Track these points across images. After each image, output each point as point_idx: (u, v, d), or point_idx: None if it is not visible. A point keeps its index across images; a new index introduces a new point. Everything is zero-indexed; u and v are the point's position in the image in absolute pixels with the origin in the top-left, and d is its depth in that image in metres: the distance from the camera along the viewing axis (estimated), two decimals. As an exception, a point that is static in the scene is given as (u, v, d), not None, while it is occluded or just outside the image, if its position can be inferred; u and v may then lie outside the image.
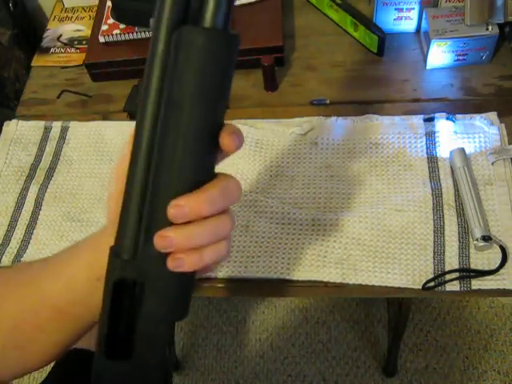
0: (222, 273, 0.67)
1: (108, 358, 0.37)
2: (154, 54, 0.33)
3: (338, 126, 0.78)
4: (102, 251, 0.37)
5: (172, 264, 0.33)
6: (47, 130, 0.85)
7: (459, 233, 0.66)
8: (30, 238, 0.74)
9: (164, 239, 0.33)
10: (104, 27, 0.90)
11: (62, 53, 0.96)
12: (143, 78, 0.33)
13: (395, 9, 0.85)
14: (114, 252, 0.36)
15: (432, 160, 0.73)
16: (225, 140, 0.33)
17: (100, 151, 0.81)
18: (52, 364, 0.81)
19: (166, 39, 0.32)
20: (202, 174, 0.34)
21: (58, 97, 0.89)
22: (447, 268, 0.64)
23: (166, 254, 0.34)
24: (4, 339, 0.41)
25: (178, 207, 0.32)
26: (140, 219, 0.34)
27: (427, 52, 0.81)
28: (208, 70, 0.32)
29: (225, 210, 0.35)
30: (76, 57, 0.94)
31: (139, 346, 0.37)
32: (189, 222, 0.33)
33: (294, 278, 0.66)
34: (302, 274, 0.66)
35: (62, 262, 0.41)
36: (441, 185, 0.70)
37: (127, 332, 0.36)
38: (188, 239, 0.33)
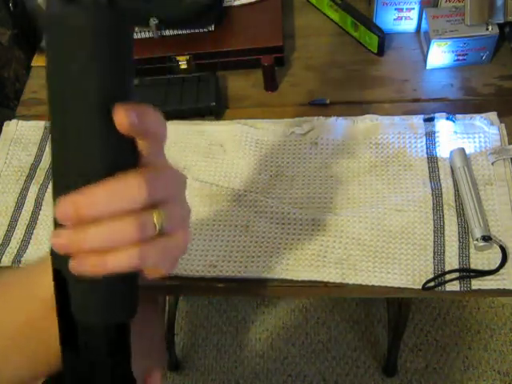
0: (222, 273, 0.67)
1: (62, 345, 0.37)
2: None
3: (338, 125, 0.78)
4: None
5: (72, 265, 0.31)
6: (47, 130, 0.85)
7: (459, 233, 0.66)
8: (30, 238, 0.74)
9: (56, 239, 0.31)
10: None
11: (62, 53, 0.96)
12: None
13: (395, 9, 0.85)
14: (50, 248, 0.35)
15: (432, 160, 0.73)
16: (116, 116, 0.29)
17: (100, 151, 0.81)
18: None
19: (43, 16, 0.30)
20: (96, 165, 0.30)
21: (58, 97, 0.89)
22: (447, 268, 0.64)
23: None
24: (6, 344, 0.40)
25: (60, 207, 0.30)
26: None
27: (427, 52, 0.81)
28: (87, 49, 0.29)
29: (130, 214, 0.31)
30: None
31: (82, 340, 0.36)
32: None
33: (294, 278, 0.66)
34: (301, 273, 0.66)
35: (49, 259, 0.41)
36: (441, 185, 0.70)
37: (69, 324, 0.36)
38: (82, 240, 0.30)
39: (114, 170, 0.30)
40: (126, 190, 0.30)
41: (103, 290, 0.34)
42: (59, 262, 0.34)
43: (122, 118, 0.29)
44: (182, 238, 0.35)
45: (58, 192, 0.31)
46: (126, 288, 0.35)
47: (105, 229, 0.30)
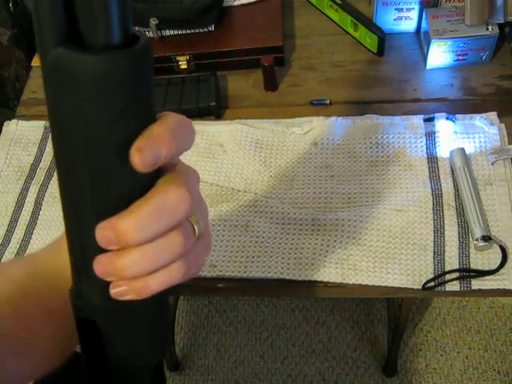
0: (222, 273, 0.67)
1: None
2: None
3: (338, 125, 0.78)
4: None
5: (113, 292, 0.29)
6: (47, 129, 0.85)
7: (459, 233, 0.66)
8: (30, 238, 0.74)
9: (98, 265, 0.28)
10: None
11: (62, 53, 0.96)
12: None
13: (395, 9, 0.85)
14: (71, 287, 0.32)
15: (432, 160, 0.73)
16: (131, 154, 0.26)
17: (100, 151, 0.81)
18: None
19: (44, 63, 0.25)
20: (124, 189, 0.27)
21: (58, 97, 0.89)
22: (447, 268, 0.64)
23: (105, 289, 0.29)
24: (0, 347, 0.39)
25: (101, 231, 0.27)
26: (75, 255, 0.30)
27: (427, 52, 0.81)
28: (96, 103, 0.25)
29: (175, 227, 0.28)
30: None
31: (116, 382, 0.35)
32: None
33: (294, 278, 0.66)
34: (302, 273, 0.66)
35: (43, 261, 0.39)
36: (441, 185, 0.70)
37: (101, 366, 0.34)
38: (125, 268, 0.28)
39: (144, 187, 0.28)
40: (170, 205, 0.27)
41: (141, 332, 0.33)
42: (88, 309, 0.31)
43: (138, 162, 0.26)
44: (208, 236, 0.33)
45: (86, 222, 0.28)
46: (160, 324, 0.34)
47: (151, 250, 0.28)
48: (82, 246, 0.29)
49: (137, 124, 0.27)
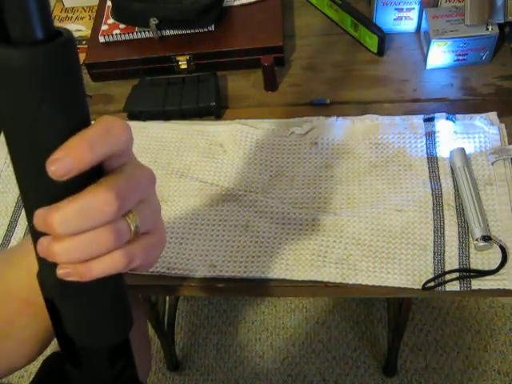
0: (222, 273, 0.67)
1: (65, 360, 0.37)
2: None
3: (338, 126, 0.78)
4: None
5: (59, 272, 0.31)
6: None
7: (459, 233, 0.66)
8: (30, 238, 0.74)
9: (39, 247, 0.31)
10: (104, 27, 0.90)
11: (62, 53, 0.96)
12: None
13: (395, 9, 0.85)
14: (38, 272, 0.35)
15: (432, 160, 0.73)
16: (47, 168, 0.29)
17: (100, 151, 0.81)
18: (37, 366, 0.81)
19: None
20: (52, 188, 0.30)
21: (58, 97, 0.89)
22: (447, 268, 0.64)
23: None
24: None
25: (36, 218, 0.30)
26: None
27: (427, 52, 0.81)
28: (20, 97, 0.27)
29: (104, 224, 0.30)
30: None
31: (83, 356, 0.36)
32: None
33: (294, 278, 0.66)
34: (302, 273, 0.66)
35: (23, 251, 0.40)
36: (441, 185, 0.70)
37: (68, 344, 0.36)
38: (57, 253, 0.30)
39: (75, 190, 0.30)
40: (96, 206, 0.29)
41: (95, 312, 0.34)
42: (48, 289, 0.34)
43: (51, 172, 0.28)
44: (158, 233, 0.35)
45: (29, 202, 0.32)
46: (117, 305, 0.36)
47: (80, 241, 0.30)
48: (32, 229, 0.32)
49: (57, 125, 0.28)
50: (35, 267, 0.37)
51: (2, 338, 0.40)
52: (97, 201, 0.29)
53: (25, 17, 0.26)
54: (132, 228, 0.32)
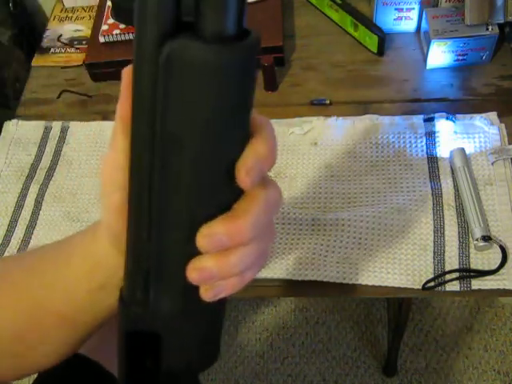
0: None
1: None
2: (140, 79, 0.25)
3: (338, 126, 0.78)
4: (98, 257, 0.34)
5: (209, 294, 0.29)
6: (47, 130, 0.85)
7: (459, 233, 0.66)
8: (30, 238, 0.74)
9: (201, 271, 0.28)
10: (104, 27, 0.90)
11: (62, 53, 0.96)
12: (132, 111, 0.26)
13: (395, 9, 0.85)
14: (122, 300, 0.31)
15: (432, 160, 0.73)
16: (240, 175, 0.26)
17: (100, 151, 0.81)
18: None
19: (152, 58, 0.24)
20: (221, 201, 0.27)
21: (58, 97, 0.89)
22: (447, 268, 0.64)
23: (187, 293, 0.29)
24: (1, 349, 0.38)
25: (209, 236, 0.27)
26: (147, 262, 0.29)
27: (427, 52, 0.81)
28: (216, 97, 0.24)
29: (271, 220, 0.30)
30: (76, 57, 0.94)
31: None
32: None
33: (294, 278, 0.66)
34: (302, 273, 0.66)
35: (55, 271, 0.37)
36: (441, 185, 0.70)
37: (150, 380, 0.33)
38: (230, 267, 0.28)
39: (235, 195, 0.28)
40: (276, 201, 0.29)
41: (208, 332, 0.33)
42: (142, 321, 0.30)
43: (245, 183, 0.26)
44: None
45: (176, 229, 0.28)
46: (220, 327, 0.34)
47: (255, 245, 0.28)
48: (160, 253, 0.28)
49: (244, 125, 0.27)
50: (73, 291, 0.36)
51: (32, 348, 0.39)
52: (273, 194, 0.28)
53: (225, 10, 0.23)
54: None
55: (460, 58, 0.81)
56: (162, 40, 0.23)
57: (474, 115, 0.75)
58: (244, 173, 0.26)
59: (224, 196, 0.27)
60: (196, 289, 0.29)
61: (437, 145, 0.74)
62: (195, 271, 0.28)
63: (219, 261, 0.28)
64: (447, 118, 0.75)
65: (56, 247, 0.39)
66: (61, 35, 0.98)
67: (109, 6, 0.93)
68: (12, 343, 0.38)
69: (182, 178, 0.26)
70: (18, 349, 0.39)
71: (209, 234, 0.27)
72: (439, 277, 0.63)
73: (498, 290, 0.62)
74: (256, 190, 0.28)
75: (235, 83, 0.24)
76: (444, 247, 0.66)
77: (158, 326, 0.31)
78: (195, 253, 0.28)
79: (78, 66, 0.93)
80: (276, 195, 0.29)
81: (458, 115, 0.76)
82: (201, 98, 0.24)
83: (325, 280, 0.65)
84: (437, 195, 0.69)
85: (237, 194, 0.28)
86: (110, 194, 0.30)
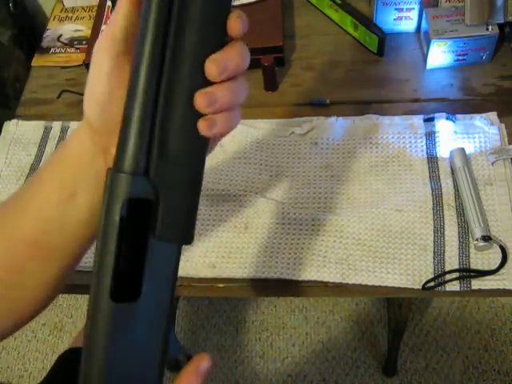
0: (222, 273, 0.67)
1: (114, 300, 0.33)
2: None
3: (338, 126, 0.78)
4: (72, 162, 0.37)
5: (204, 124, 0.33)
6: (47, 130, 0.85)
7: (459, 233, 0.66)
8: (30, 238, 0.74)
9: (208, 95, 0.33)
10: (104, 27, 0.90)
11: (62, 53, 0.96)
12: None
13: (395, 9, 0.85)
14: (117, 168, 0.32)
15: (432, 160, 0.73)
16: (231, 23, 0.33)
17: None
18: (52, 364, 0.81)
19: None
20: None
21: (58, 97, 0.89)
22: (447, 268, 0.64)
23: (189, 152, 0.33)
24: None
25: (215, 62, 0.33)
26: (151, 123, 0.32)
27: (427, 52, 0.81)
28: None
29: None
30: (76, 57, 0.94)
31: (148, 282, 0.33)
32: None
33: (294, 278, 0.66)
34: (301, 273, 0.66)
35: (29, 193, 0.39)
36: (441, 185, 0.70)
37: (135, 267, 0.33)
38: (227, 94, 0.33)
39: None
40: (246, 51, 0.34)
41: (193, 201, 0.35)
42: (143, 185, 0.32)
43: (235, 26, 0.33)
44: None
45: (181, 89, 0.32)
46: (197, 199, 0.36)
47: (235, 84, 0.34)
48: (169, 99, 0.32)
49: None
50: (44, 208, 0.37)
51: (13, 287, 0.39)
52: (243, 46, 0.34)
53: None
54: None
55: (460, 58, 0.81)
56: None
57: (474, 115, 0.75)
58: (234, 16, 0.33)
59: (223, 36, 0.33)
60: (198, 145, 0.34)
61: (437, 145, 0.74)
62: (203, 96, 0.33)
63: (220, 87, 0.33)
64: (447, 118, 0.75)
65: (26, 184, 0.41)
66: (61, 35, 0.98)
67: (109, 6, 0.93)
68: None
69: (194, 21, 0.31)
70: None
71: (211, 62, 0.32)
72: (439, 277, 0.63)
73: (498, 289, 0.62)
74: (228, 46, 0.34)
75: None
76: (444, 247, 0.66)
77: (159, 184, 0.32)
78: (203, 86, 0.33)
79: (78, 65, 0.93)
80: (245, 48, 0.34)
81: (458, 115, 0.76)
82: None
83: (325, 280, 0.65)
84: (437, 195, 0.69)
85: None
86: (101, 62, 0.34)
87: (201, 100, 0.33)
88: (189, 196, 0.34)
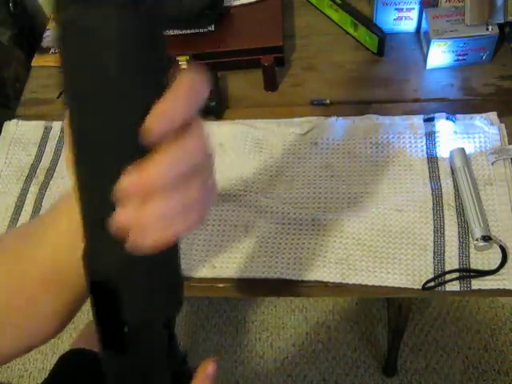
0: (222, 273, 0.67)
1: (106, 349, 0.35)
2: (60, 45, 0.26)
3: (338, 126, 0.78)
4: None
5: (133, 244, 0.28)
6: (47, 130, 0.85)
7: (459, 233, 0.66)
8: (30, 238, 0.74)
9: (121, 221, 0.28)
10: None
11: (62, 53, 0.96)
12: None
13: (395, 9, 0.85)
14: (84, 252, 0.32)
15: (432, 160, 0.73)
16: (142, 133, 0.27)
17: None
18: (52, 364, 0.81)
19: (57, 21, 0.25)
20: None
21: (58, 97, 0.89)
22: (447, 268, 0.64)
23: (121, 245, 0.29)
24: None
25: (127, 182, 0.27)
26: (90, 216, 0.31)
27: (427, 52, 0.81)
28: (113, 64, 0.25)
29: (194, 170, 0.29)
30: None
31: (132, 341, 0.34)
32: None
33: (294, 278, 0.66)
34: (302, 273, 0.66)
35: (43, 229, 0.38)
36: (441, 185, 0.70)
37: (117, 328, 0.34)
38: (148, 217, 0.28)
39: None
40: (191, 151, 0.28)
41: (161, 283, 0.33)
42: (105, 268, 0.31)
43: (149, 134, 0.27)
44: (215, 185, 0.33)
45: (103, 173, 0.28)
46: (177, 272, 0.35)
47: (174, 197, 0.28)
48: (94, 205, 0.30)
49: (154, 79, 0.27)
50: (60, 244, 0.36)
51: (25, 316, 0.39)
52: (190, 145, 0.28)
53: None
54: (211, 180, 0.31)
55: (460, 57, 0.81)
56: (64, 4, 0.24)
57: (474, 115, 0.75)
58: (144, 129, 0.26)
59: (138, 151, 0.28)
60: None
61: (437, 145, 0.74)
62: (117, 219, 0.28)
63: (137, 210, 0.28)
64: (447, 118, 0.75)
65: (40, 216, 0.40)
66: (61, 35, 0.98)
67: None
68: (7, 311, 0.39)
69: (93, 137, 0.27)
70: (14, 317, 0.39)
71: (122, 181, 0.27)
72: (439, 277, 0.63)
73: (498, 289, 0.62)
74: (169, 140, 0.27)
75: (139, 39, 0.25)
76: (444, 247, 0.66)
77: (112, 277, 0.32)
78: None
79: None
80: (192, 144, 0.28)
81: (458, 115, 0.76)
82: (95, 60, 0.25)
83: (325, 280, 0.65)
84: (437, 195, 0.69)
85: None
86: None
87: (114, 225, 0.28)
88: (147, 268, 0.32)
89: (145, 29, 0.25)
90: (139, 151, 0.27)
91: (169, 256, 0.33)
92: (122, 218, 0.28)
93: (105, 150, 0.28)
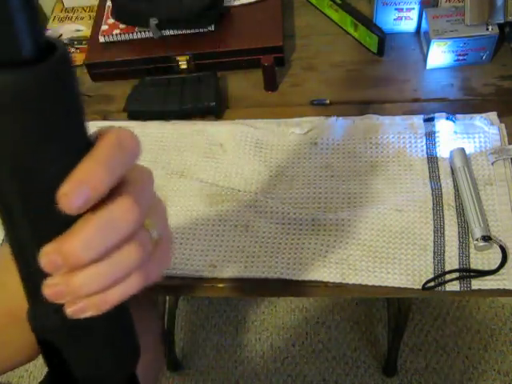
0: (222, 273, 0.67)
1: None
2: None
3: (338, 126, 0.78)
4: None
5: (70, 310, 0.28)
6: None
7: (459, 233, 0.66)
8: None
9: (51, 289, 0.27)
10: (104, 27, 0.90)
11: (61, 53, 0.96)
12: None
13: (395, 9, 0.85)
14: (27, 311, 0.31)
15: (432, 160, 0.73)
16: (60, 204, 0.25)
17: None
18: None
19: None
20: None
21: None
22: (447, 268, 0.64)
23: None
24: None
25: (46, 256, 0.26)
26: (25, 280, 0.29)
27: (427, 52, 0.81)
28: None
29: (128, 238, 0.27)
30: (76, 57, 0.94)
31: None
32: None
33: (294, 278, 0.66)
34: (301, 273, 0.66)
35: (6, 269, 0.36)
36: (441, 185, 0.70)
37: (69, 381, 0.33)
38: (77, 287, 0.27)
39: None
40: (117, 216, 0.26)
41: (107, 346, 0.32)
42: (46, 331, 0.31)
43: (66, 208, 0.25)
44: (168, 238, 0.32)
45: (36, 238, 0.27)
46: (128, 333, 0.34)
47: (106, 265, 0.27)
48: (28, 271, 0.28)
49: (63, 148, 0.25)
50: (13, 285, 0.33)
51: None
52: (117, 210, 0.26)
53: (9, 32, 0.21)
54: (154, 236, 0.29)
55: (460, 57, 0.81)
56: None
57: (474, 115, 0.75)
58: (60, 195, 0.25)
59: (60, 222, 0.26)
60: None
61: (437, 145, 0.74)
62: (47, 288, 0.27)
63: (65, 279, 0.27)
64: (447, 118, 0.75)
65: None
66: (61, 35, 0.98)
67: (109, 6, 0.93)
68: None
69: (12, 211, 0.26)
70: None
71: (45, 253, 0.26)
72: (439, 277, 0.63)
73: (498, 290, 0.62)
74: (93, 209, 0.26)
75: (33, 111, 0.23)
76: (444, 247, 0.66)
77: (53, 338, 0.31)
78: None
79: (78, 66, 0.93)
80: (120, 210, 0.26)
81: (458, 115, 0.76)
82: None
83: (325, 280, 0.65)
84: (437, 195, 0.69)
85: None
86: None
87: (46, 293, 0.27)
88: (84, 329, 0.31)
89: (47, 87, 0.23)
90: (61, 223, 0.26)
91: (113, 318, 0.32)
92: (51, 287, 0.27)
93: (23, 224, 0.26)
